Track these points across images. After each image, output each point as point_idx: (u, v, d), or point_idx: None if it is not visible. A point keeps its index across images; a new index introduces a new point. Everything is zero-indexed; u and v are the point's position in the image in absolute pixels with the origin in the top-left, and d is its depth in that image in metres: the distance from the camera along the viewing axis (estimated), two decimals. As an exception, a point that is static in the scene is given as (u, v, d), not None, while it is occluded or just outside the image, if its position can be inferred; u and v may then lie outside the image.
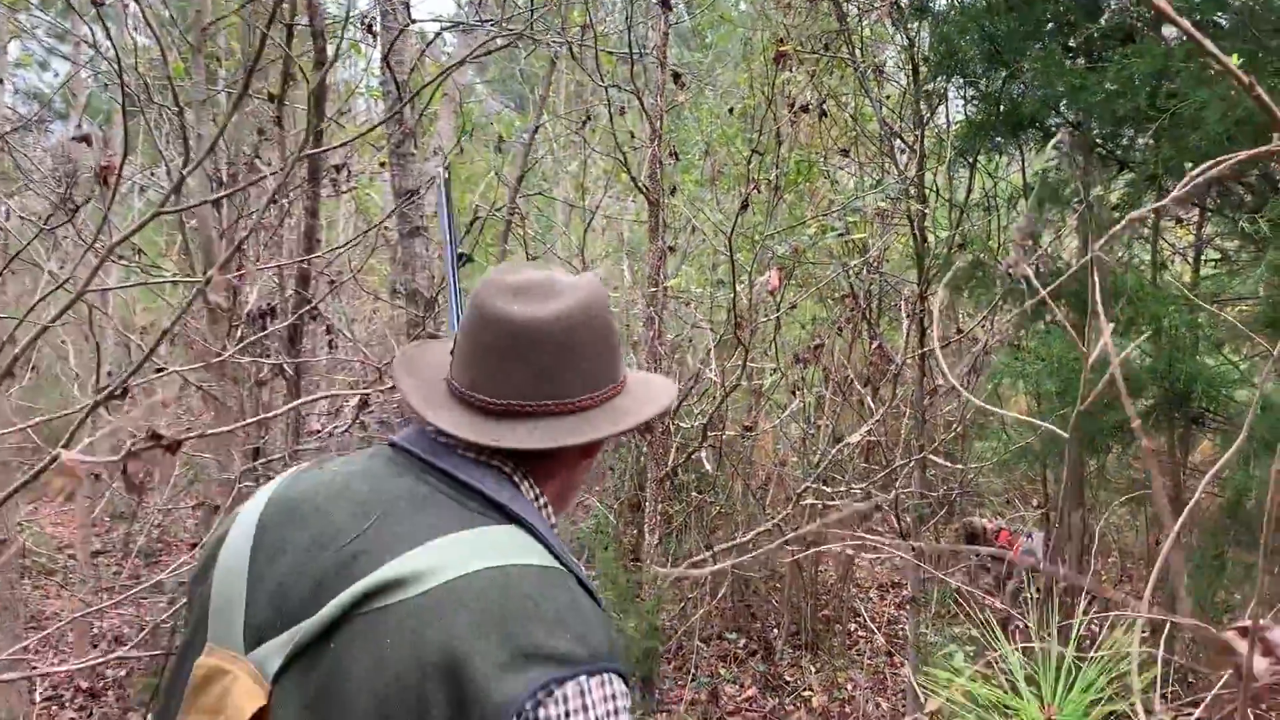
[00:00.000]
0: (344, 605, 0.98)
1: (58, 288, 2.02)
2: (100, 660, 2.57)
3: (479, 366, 1.16)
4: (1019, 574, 6.84)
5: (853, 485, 4.68)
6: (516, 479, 1.14)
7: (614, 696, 0.97)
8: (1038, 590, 6.37)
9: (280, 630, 1.00)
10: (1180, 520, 1.37)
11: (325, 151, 3.84)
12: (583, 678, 0.95)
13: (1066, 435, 1.09)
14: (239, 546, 1.10)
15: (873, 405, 5.31)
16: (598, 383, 1.20)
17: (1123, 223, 1.06)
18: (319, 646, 0.98)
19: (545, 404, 1.15)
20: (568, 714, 0.93)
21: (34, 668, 5.64)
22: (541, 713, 0.92)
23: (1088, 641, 1.35)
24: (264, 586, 1.05)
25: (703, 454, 4.68)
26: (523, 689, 0.91)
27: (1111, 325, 4.27)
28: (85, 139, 2.07)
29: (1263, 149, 1.20)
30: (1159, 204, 1.08)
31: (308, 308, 4.34)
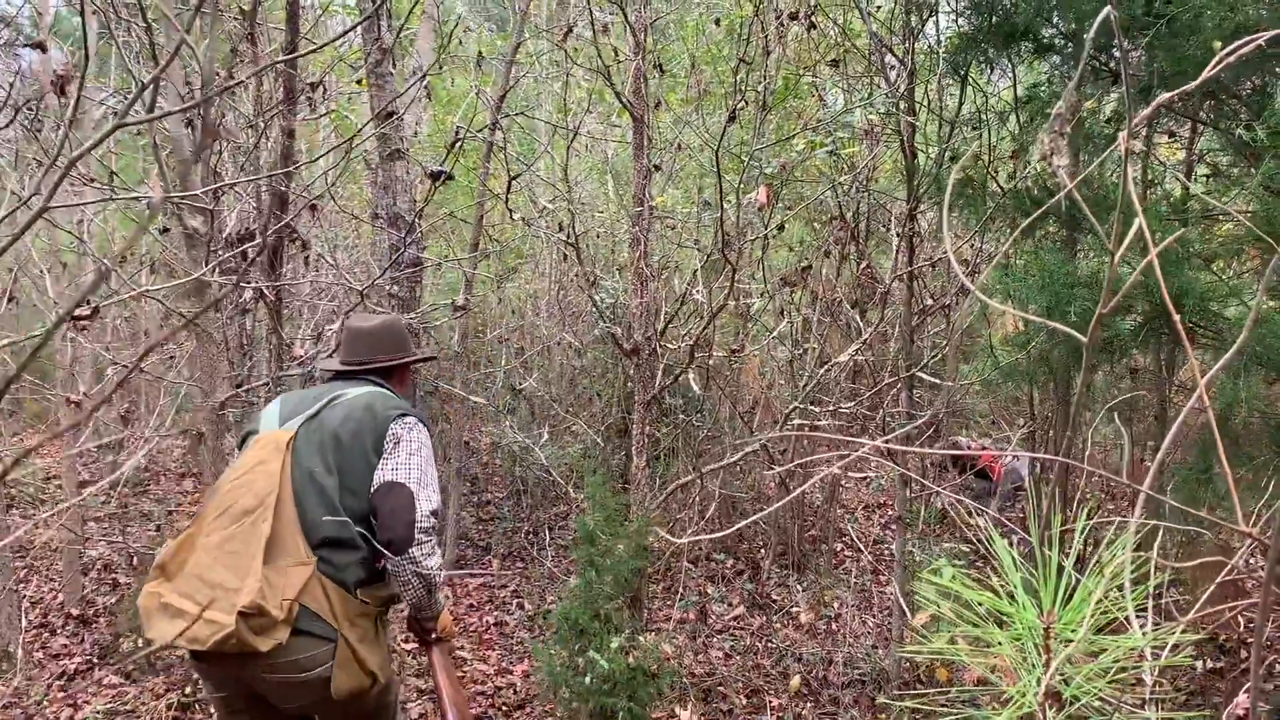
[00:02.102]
0: (320, 404, 2.78)
1: (19, 205, 1.94)
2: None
3: (351, 349, 3.05)
4: (1001, 491, 6.90)
5: (840, 405, 4.66)
6: (378, 380, 3.00)
7: (420, 425, 2.75)
8: (1022, 510, 6.43)
9: (293, 417, 2.75)
10: (1172, 432, 1.34)
11: (299, 57, 3.71)
12: (410, 417, 2.74)
13: (1085, 339, 1.05)
14: (270, 410, 2.85)
15: (861, 326, 5.28)
16: (394, 351, 3.06)
17: (1135, 120, 1.01)
18: (313, 418, 2.74)
19: (376, 358, 3.03)
20: (406, 427, 2.70)
21: (24, 596, 5.66)
22: (398, 423, 2.69)
23: (1086, 551, 1.33)
24: (284, 411, 2.80)
25: (690, 376, 4.64)
26: (395, 412, 2.73)
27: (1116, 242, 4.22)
28: (39, 45, 1.97)
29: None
30: (1178, 92, 1.03)
31: (284, 226, 4.25)
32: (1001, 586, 1.10)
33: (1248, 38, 1.04)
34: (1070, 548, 1.23)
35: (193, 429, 6.74)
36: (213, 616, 2.32)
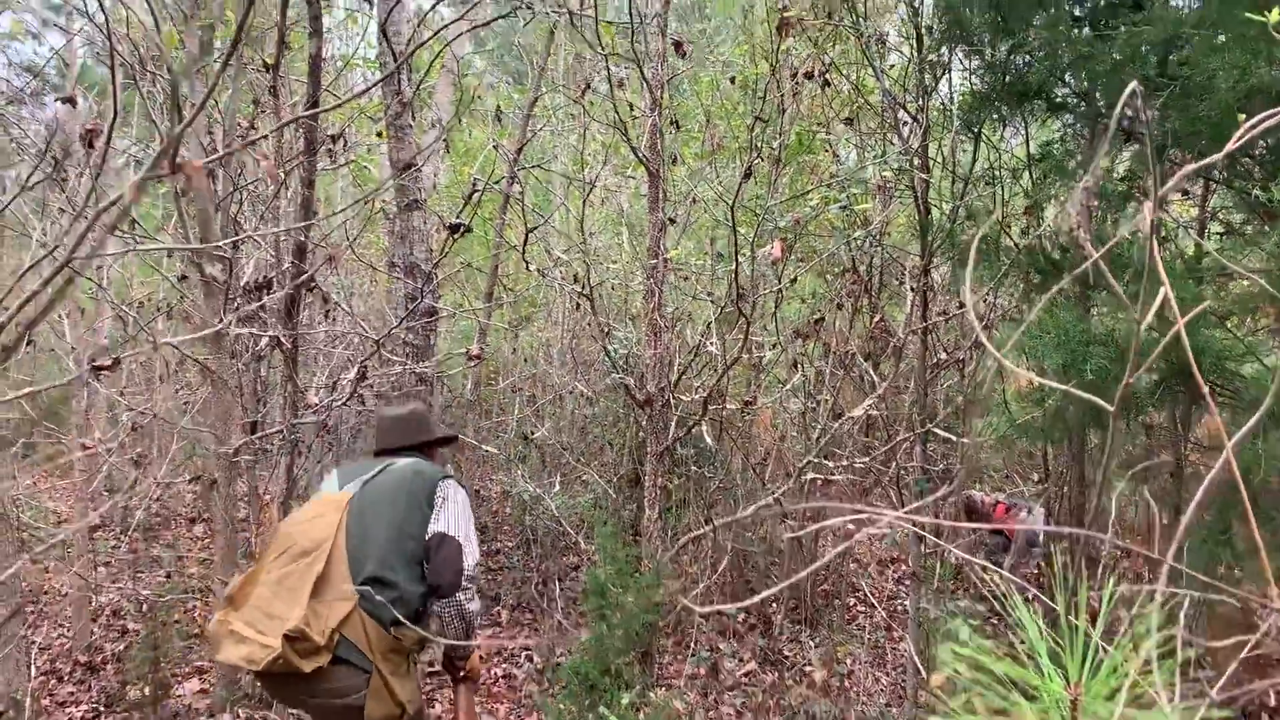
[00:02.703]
0: (375, 471, 3.21)
1: (45, 256, 1.97)
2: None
3: (385, 436, 3.50)
4: (1016, 548, 6.83)
5: (854, 459, 4.64)
6: (416, 454, 3.42)
7: (461, 488, 3.20)
8: (1038, 567, 6.37)
9: (350, 482, 3.19)
10: (1198, 496, 1.33)
11: (321, 112, 3.77)
12: (452, 480, 3.20)
13: (1112, 408, 1.06)
14: (329, 479, 3.31)
15: (875, 379, 5.27)
16: (421, 435, 3.48)
17: (1163, 189, 1.02)
18: (369, 481, 3.16)
19: (408, 441, 3.47)
20: (452, 488, 3.15)
21: (33, 642, 5.63)
22: (445, 484, 3.15)
23: (1101, 615, 1.32)
24: (342, 479, 3.24)
25: (703, 428, 4.64)
26: (441, 474, 3.20)
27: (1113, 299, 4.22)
28: (70, 100, 2.01)
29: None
30: (1211, 159, 1.04)
31: (304, 279, 4.29)
32: (1025, 653, 1.09)
33: (1276, 110, 1.05)
34: (1089, 611, 1.22)
35: (205, 475, 6.75)
36: (266, 640, 2.73)
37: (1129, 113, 3.96)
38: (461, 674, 3.23)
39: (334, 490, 3.17)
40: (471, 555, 3.02)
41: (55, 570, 7.13)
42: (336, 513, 3.02)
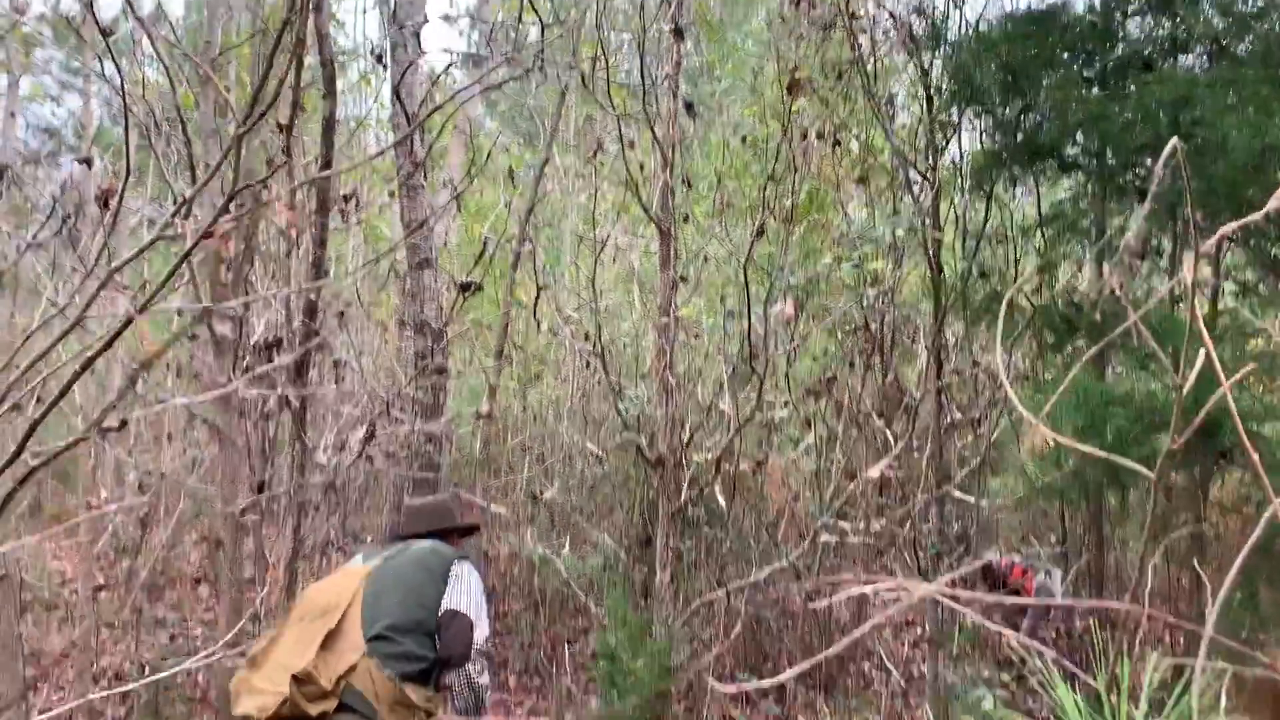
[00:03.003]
0: (395, 550, 3.34)
1: (56, 314, 1.95)
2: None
3: (410, 523, 3.59)
4: (1034, 611, 6.70)
5: (869, 521, 4.57)
6: (437, 540, 3.42)
7: (475, 569, 3.29)
8: (1057, 630, 6.24)
9: (372, 559, 3.28)
10: (1240, 559, 1.28)
11: (334, 174, 3.79)
12: (468, 560, 3.32)
13: (1154, 475, 1.02)
14: (354, 558, 3.46)
15: (890, 438, 5.21)
16: (443, 523, 3.56)
17: (1188, 263, 0.99)
18: (387, 560, 3.25)
19: (430, 528, 3.50)
20: (466, 568, 3.25)
21: (33, 705, 5.53)
22: (459, 564, 3.25)
23: (1144, 696, 1.26)
24: (364, 556, 3.38)
25: (716, 488, 4.58)
26: (457, 554, 3.32)
27: (1130, 357, 4.18)
28: (86, 161, 2.01)
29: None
30: (1251, 217, 1.01)
31: (313, 336, 4.27)
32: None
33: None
34: (1122, 685, 1.16)
35: (212, 535, 6.68)
36: (278, 689, 2.84)
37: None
38: None
39: (358, 565, 3.36)
40: (482, 631, 3.15)
41: (58, 631, 7.05)
42: (356, 581, 3.18)
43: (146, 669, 6.11)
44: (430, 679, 3.06)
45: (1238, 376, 1.01)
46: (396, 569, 3.23)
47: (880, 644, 6.81)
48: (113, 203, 1.66)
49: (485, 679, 3.14)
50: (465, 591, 3.18)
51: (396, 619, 3.03)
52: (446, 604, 3.13)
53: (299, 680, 2.80)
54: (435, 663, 3.07)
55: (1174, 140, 0.95)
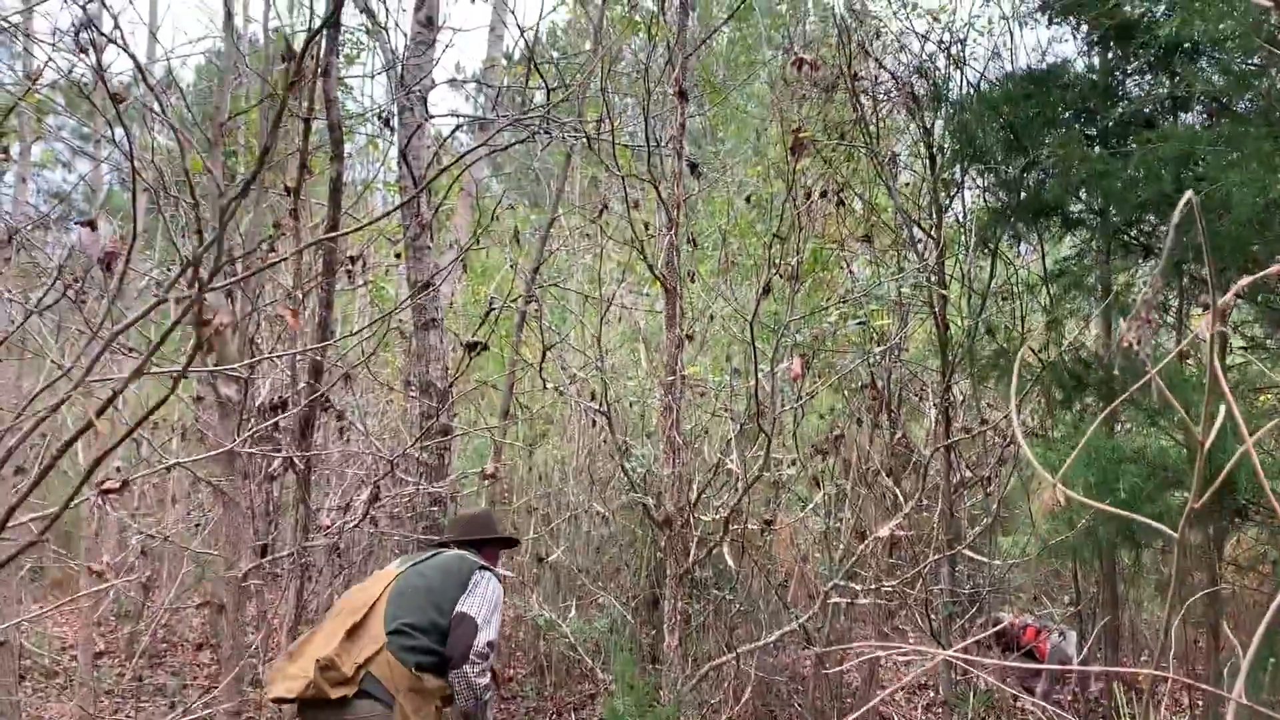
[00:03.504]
0: (425, 555, 3.66)
1: (59, 377, 1.94)
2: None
3: (452, 529, 3.93)
4: (1049, 675, 6.57)
5: (881, 582, 4.50)
6: (469, 551, 3.69)
7: (494, 579, 3.56)
8: (1073, 693, 6.11)
9: (404, 565, 3.60)
10: (1266, 620, 1.24)
11: (340, 235, 3.82)
12: (488, 572, 3.56)
13: (1175, 534, 0.99)
14: (390, 565, 3.76)
15: (899, 497, 5.15)
16: (482, 533, 3.84)
17: (1206, 314, 0.97)
18: (417, 564, 3.57)
19: (468, 536, 3.81)
20: (485, 577, 3.50)
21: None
22: (479, 573, 3.50)
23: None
24: (398, 561, 3.74)
25: (724, 548, 4.52)
26: (479, 564, 3.56)
27: (1142, 413, 4.15)
28: (90, 224, 2.02)
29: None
30: (1272, 270, 0.99)
31: (318, 396, 4.26)
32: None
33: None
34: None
35: (214, 599, 6.60)
36: (305, 673, 3.19)
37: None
38: None
39: (392, 568, 3.70)
40: (485, 636, 3.37)
41: (57, 699, 6.94)
42: (384, 582, 3.53)
43: (145, 737, 6.00)
44: (443, 672, 3.36)
45: (1261, 433, 0.99)
46: (423, 572, 3.54)
47: (894, 708, 6.68)
48: (116, 266, 1.65)
49: (484, 680, 3.36)
50: (479, 598, 3.45)
51: (415, 618, 3.35)
52: (459, 608, 3.40)
53: (322, 666, 3.14)
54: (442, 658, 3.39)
55: (1189, 194, 0.94)
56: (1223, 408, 0.92)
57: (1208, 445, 0.96)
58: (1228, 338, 5.22)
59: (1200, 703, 5.52)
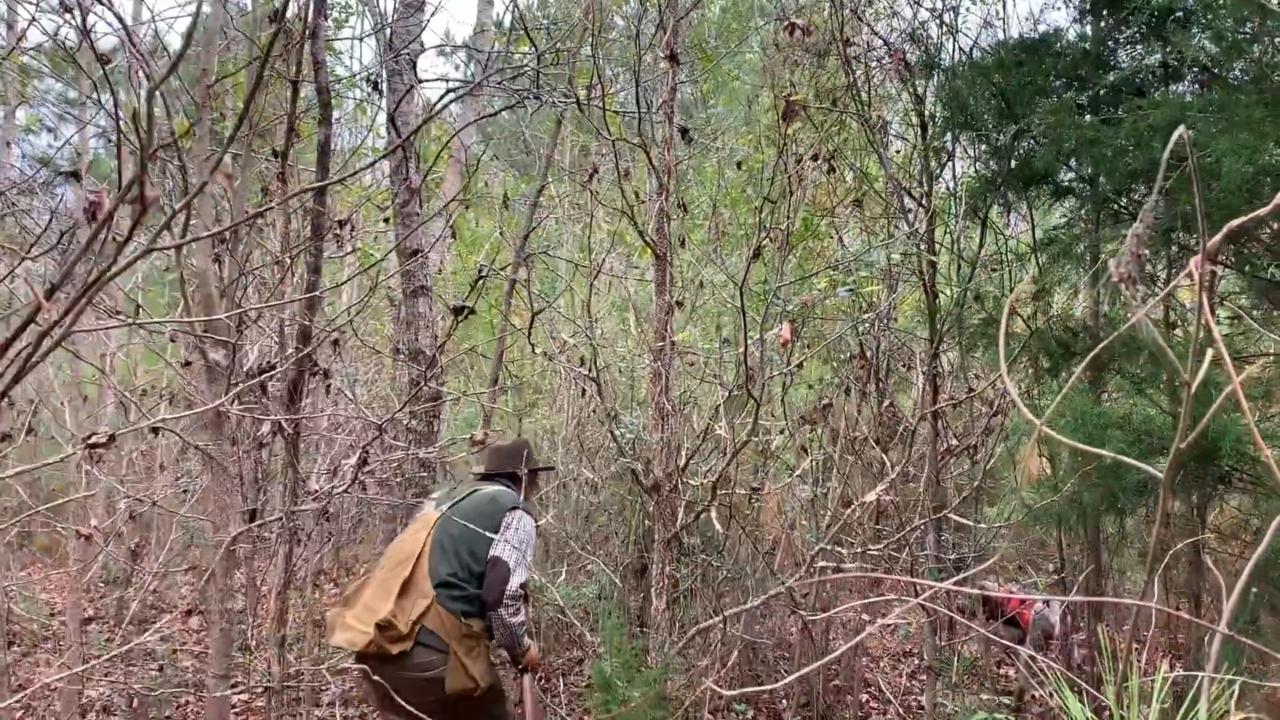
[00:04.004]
0: (462, 495, 3.93)
1: (44, 333, 1.93)
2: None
3: (488, 461, 4.24)
4: (1032, 640, 6.64)
5: (868, 547, 4.53)
6: (505, 482, 4.12)
7: (527, 516, 3.84)
8: (1056, 660, 6.19)
9: (444, 504, 3.90)
10: (1243, 580, 1.26)
11: (327, 185, 3.79)
12: (519, 510, 3.82)
13: (1161, 475, 1.00)
14: (429, 501, 4.09)
15: (886, 465, 5.18)
16: (516, 464, 4.16)
17: (1179, 277, 0.97)
18: (456, 504, 3.85)
19: (504, 468, 4.16)
20: (516, 517, 3.78)
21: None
22: (511, 514, 3.78)
23: (1154, 709, 1.23)
24: (438, 500, 4.00)
25: (711, 514, 4.54)
26: (510, 504, 3.84)
27: (1129, 380, 4.17)
28: (74, 174, 1.99)
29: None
30: (1258, 213, 1.00)
31: (306, 360, 4.25)
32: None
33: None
34: (1134, 705, 1.14)
35: (202, 565, 6.60)
36: (365, 630, 3.51)
37: (1121, 185, 3.96)
38: (522, 666, 3.91)
39: (430, 510, 3.98)
40: (517, 580, 3.65)
41: (45, 663, 6.95)
42: (426, 530, 3.80)
43: (134, 701, 6.02)
44: (480, 616, 3.70)
45: (1244, 375, 0.99)
46: (461, 515, 3.80)
47: (878, 674, 6.75)
48: (100, 214, 1.64)
49: (518, 619, 3.66)
50: (509, 541, 3.71)
51: (455, 569, 3.65)
52: (492, 552, 3.69)
53: (381, 627, 3.47)
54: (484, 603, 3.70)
55: (1178, 131, 0.94)
56: (1208, 359, 0.92)
57: (1195, 387, 0.97)
58: (1214, 307, 5.24)
59: (1181, 668, 5.58)
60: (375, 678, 3.46)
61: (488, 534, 3.70)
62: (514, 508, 3.82)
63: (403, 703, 3.38)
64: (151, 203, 1.16)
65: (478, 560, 3.67)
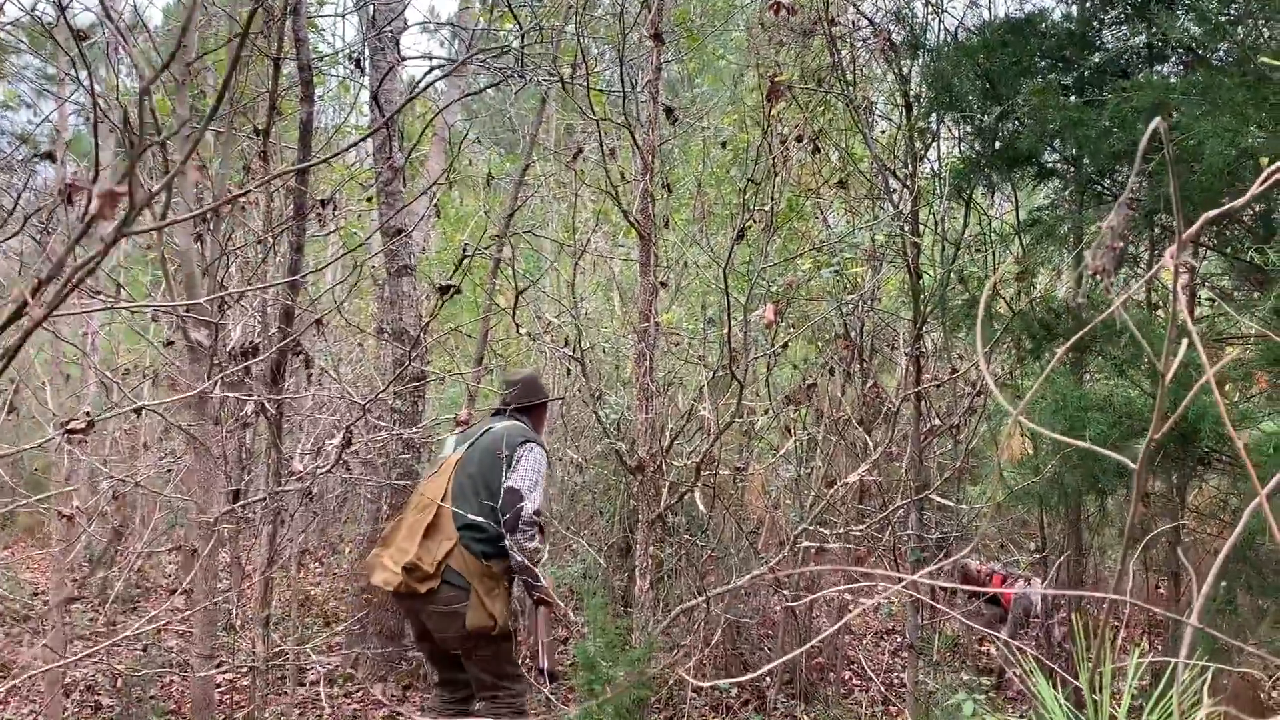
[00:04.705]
0: (478, 435, 4.28)
1: (23, 314, 1.91)
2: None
3: (506, 397, 4.51)
4: (1013, 618, 6.71)
5: (850, 527, 4.56)
6: (518, 415, 4.38)
7: (538, 448, 4.15)
8: (1036, 639, 6.25)
9: (462, 444, 4.29)
10: (1218, 562, 1.27)
11: (311, 165, 3.76)
12: (531, 443, 4.13)
13: (1135, 465, 1.01)
14: (450, 440, 4.54)
15: (870, 445, 5.20)
16: (528, 397, 4.47)
17: (1161, 260, 0.98)
18: (470, 449, 4.19)
19: (517, 401, 4.43)
20: (527, 450, 4.08)
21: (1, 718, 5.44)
22: (523, 448, 4.08)
23: (1128, 691, 1.24)
24: (458, 440, 4.39)
25: (696, 495, 4.56)
26: (521, 439, 4.13)
27: (1111, 362, 4.19)
28: (49, 155, 1.97)
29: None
30: (1236, 203, 1.00)
31: (289, 341, 4.24)
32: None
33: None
34: (1106, 690, 1.15)
35: (186, 545, 6.59)
36: (396, 570, 3.90)
37: (1103, 166, 3.97)
38: (537, 597, 4.17)
39: (450, 451, 4.36)
40: (531, 506, 3.95)
41: (28, 643, 6.93)
42: (447, 473, 4.16)
43: (118, 682, 6.02)
44: (505, 554, 3.98)
45: (1222, 363, 1.00)
46: (477, 455, 4.14)
47: (861, 652, 6.80)
48: (78, 197, 1.62)
49: (534, 543, 3.95)
50: (522, 471, 4.02)
51: (475, 511, 3.97)
52: (506, 483, 4.01)
53: (408, 569, 3.85)
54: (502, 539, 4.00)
55: (1156, 120, 0.94)
56: (1184, 346, 0.93)
57: (1170, 375, 0.97)
58: (1196, 289, 5.27)
59: (1160, 650, 5.65)
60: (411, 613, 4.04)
61: (501, 470, 4.02)
62: (525, 441, 4.12)
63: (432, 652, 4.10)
64: (144, 201, 1.15)
65: (494, 497, 3.99)
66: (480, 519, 3.95)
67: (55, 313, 1.84)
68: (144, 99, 1.20)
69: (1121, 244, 0.93)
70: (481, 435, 4.25)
